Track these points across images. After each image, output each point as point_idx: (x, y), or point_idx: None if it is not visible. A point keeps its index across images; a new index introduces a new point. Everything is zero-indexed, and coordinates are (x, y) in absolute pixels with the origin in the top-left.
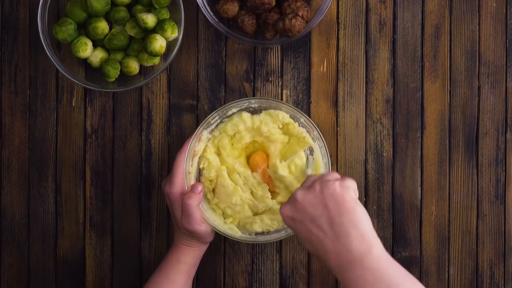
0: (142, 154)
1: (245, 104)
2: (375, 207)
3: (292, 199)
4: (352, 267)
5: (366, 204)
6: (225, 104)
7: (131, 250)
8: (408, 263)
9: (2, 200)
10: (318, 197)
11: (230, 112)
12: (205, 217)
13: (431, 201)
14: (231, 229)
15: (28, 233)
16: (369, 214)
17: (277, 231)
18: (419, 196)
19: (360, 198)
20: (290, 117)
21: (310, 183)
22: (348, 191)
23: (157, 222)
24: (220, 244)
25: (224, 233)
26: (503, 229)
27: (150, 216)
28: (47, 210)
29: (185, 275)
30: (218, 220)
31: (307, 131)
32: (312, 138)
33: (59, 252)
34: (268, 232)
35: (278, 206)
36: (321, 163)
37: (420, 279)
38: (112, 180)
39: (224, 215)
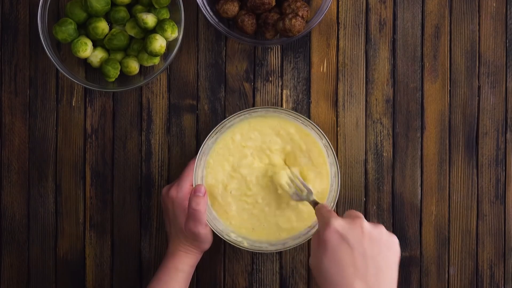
0: (142, 154)
1: (251, 113)
2: (375, 207)
3: (351, 221)
4: None
5: (366, 204)
6: (225, 105)
7: (131, 250)
8: (408, 263)
9: (2, 200)
10: (382, 240)
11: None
12: (212, 225)
13: (431, 201)
14: (236, 237)
15: (28, 233)
16: (369, 214)
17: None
18: (419, 196)
19: (360, 198)
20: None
21: (364, 221)
22: (399, 254)
23: (157, 222)
24: (220, 244)
25: (230, 241)
26: (503, 229)
27: (150, 216)
28: (47, 210)
29: (183, 283)
30: (223, 227)
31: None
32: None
33: (59, 252)
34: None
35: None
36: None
37: (420, 279)
38: (112, 180)
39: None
